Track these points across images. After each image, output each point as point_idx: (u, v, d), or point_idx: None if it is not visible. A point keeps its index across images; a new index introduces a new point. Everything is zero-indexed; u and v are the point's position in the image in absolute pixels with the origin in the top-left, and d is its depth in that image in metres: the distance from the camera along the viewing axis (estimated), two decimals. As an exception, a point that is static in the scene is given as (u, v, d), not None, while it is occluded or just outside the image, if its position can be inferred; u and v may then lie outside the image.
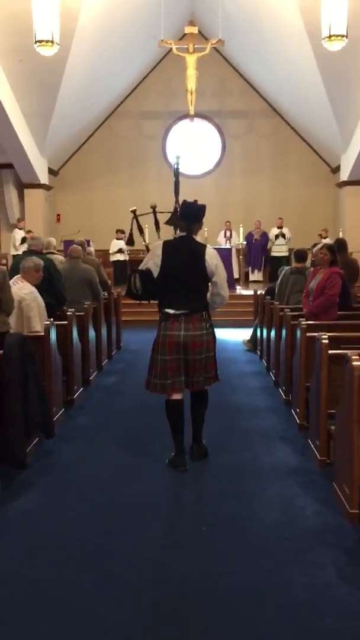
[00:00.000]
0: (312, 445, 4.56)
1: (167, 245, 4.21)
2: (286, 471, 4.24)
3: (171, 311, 4.16)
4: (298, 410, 5.25)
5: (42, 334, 5.15)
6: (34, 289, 5.55)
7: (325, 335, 4.40)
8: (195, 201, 4.58)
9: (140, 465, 4.38)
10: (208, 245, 4.34)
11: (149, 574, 2.97)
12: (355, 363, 3.47)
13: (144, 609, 2.70)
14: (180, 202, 4.97)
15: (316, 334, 4.89)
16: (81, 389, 6.40)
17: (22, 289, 5.46)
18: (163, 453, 4.57)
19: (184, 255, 4.15)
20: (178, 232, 4.40)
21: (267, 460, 4.44)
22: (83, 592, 2.83)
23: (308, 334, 5.12)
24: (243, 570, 2.99)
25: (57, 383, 5.38)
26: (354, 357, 3.50)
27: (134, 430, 5.24)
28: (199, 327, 4.17)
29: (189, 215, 4.27)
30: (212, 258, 4.20)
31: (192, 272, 4.14)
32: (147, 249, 4.84)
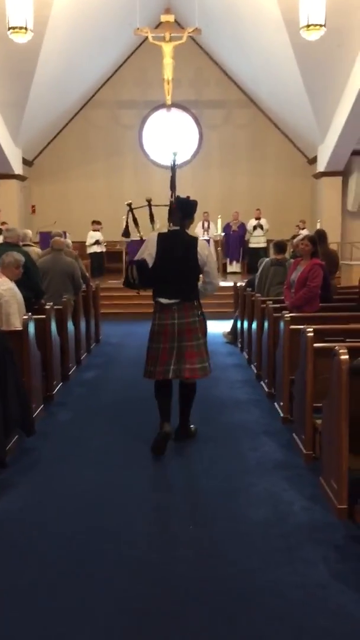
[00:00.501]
0: (297, 439, 4.51)
1: (161, 237, 4.45)
2: (272, 466, 4.19)
3: (164, 300, 4.39)
4: (282, 403, 5.20)
5: (20, 328, 5.01)
6: (12, 285, 5.37)
7: (310, 328, 4.35)
8: (189, 197, 4.74)
9: (122, 462, 4.29)
10: (200, 238, 4.65)
11: (135, 575, 2.89)
12: (343, 357, 3.42)
13: (131, 610, 2.62)
14: (175, 198, 5.36)
15: (300, 326, 4.86)
16: (60, 384, 6.27)
17: (0, 284, 5.30)
18: (145, 449, 4.50)
19: (177, 246, 4.39)
20: (171, 225, 4.65)
21: (252, 455, 4.39)
22: (68, 595, 2.73)
23: (292, 327, 5.08)
24: (232, 569, 2.93)
25: (36, 379, 5.25)
26: (341, 351, 3.45)
27: (115, 426, 5.15)
28: (191, 315, 4.40)
29: (184, 210, 4.52)
30: (203, 249, 4.46)
31: (185, 262, 4.38)
32: (141, 239, 5.06)
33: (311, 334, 4.29)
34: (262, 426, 5.09)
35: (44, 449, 4.54)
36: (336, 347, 3.49)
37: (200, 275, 4.53)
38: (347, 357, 3.42)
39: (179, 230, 4.51)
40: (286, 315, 5.26)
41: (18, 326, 5.10)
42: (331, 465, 3.57)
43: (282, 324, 5.26)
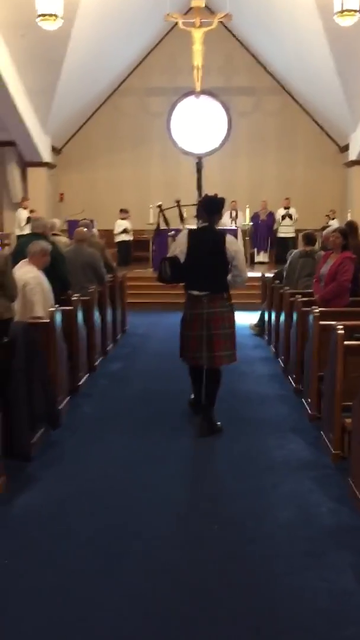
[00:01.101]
0: (325, 438, 4.43)
1: (191, 234, 4.76)
2: (299, 465, 4.13)
3: (196, 292, 4.67)
4: (310, 400, 5.11)
5: (47, 320, 5.00)
6: (39, 273, 5.37)
7: (340, 325, 4.25)
8: (216, 195, 4.94)
9: (147, 457, 4.27)
10: (228, 234, 4.83)
11: (157, 576, 2.87)
12: (375, 357, 3.32)
13: (151, 612, 2.60)
14: (203, 196, 5.68)
15: (329, 322, 4.76)
16: (86, 375, 6.27)
17: (27, 272, 5.29)
18: (171, 443, 4.49)
19: (207, 243, 4.67)
20: (200, 222, 4.97)
21: (279, 453, 4.32)
22: (89, 593, 2.72)
23: (321, 323, 4.97)
24: (256, 573, 2.88)
25: (62, 371, 5.25)
26: (373, 351, 3.35)
27: (140, 419, 5.12)
28: (221, 305, 4.68)
29: (211, 207, 4.79)
30: (232, 245, 4.71)
31: (214, 257, 4.63)
32: (173, 239, 5.55)
33: (341, 332, 4.19)
34: (289, 423, 5.02)
35: (68, 442, 4.54)
36: (368, 347, 3.39)
37: (230, 268, 4.72)
38: (379, 357, 3.32)
39: (207, 227, 4.78)
40: (315, 310, 5.15)
41: (41, 316, 5.08)
42: (360, 467, 3.48)
43: (311, 319, 5.16)
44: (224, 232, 4.87)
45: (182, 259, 4.63)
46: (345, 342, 4.16)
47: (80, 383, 5.96)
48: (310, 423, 4.98)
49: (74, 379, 5.85)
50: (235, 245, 4.75)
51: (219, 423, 4.81)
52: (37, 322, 4.96)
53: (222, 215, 4.97)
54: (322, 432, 4.56)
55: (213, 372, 4.74)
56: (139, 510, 3.52)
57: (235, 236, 13.56)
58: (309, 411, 5.10)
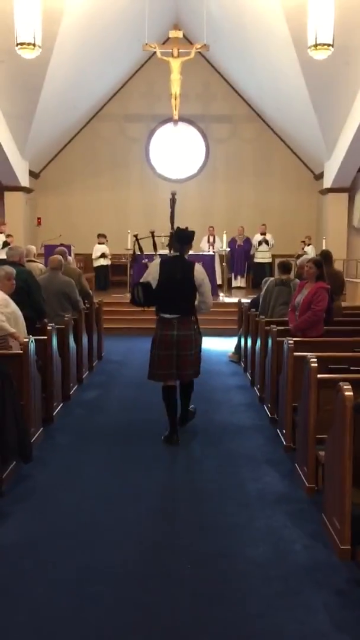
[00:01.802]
0: (299, 470, 4.42)
1: (163, 262, 5.21)
2: (274, 499, 4.10)
3: (167, 315, 5.12)
4: (285, 431, 5.11)
5: (20, 351, 4.94)
6: (5, 297, 5.27)
7: (314, 358, 4.27)
8: (186, 228, 5.42)
9: (120, 492, 4.21)
10: (196, 263, 5.28)
11: (129, 615, 2.81)
12: (347, 393, 3.34)
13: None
14: (175, 228, 6.29)
15: (304, 354, 4.78)
16: (60, 405, 6.20)
17: None
18: (145, 477, 4.44)
19: (177, 271, 5.11)
20: (172, 252, 5.44)
21: (253, 487, 4.29)
22: (59, 634, 2.66)
23: (295, 354, 5.00)
24: (230, 615, 2.84)
25: (35, 402, 5.18)
26: (345, 387, 3.37)
27: (114, 451, 5.06)
28: (189, 328, 5.13)
29: (182, 239, 5.24)
30: (199, 274, 5.17)
31: (184, 284, 5.10)
32: (146, 266, 6.32)
33: (315, 365, 4.21)
34: (264, 454, 5.00)
35: (41, 476, 4.46)
36: (340, 384, 3.41)
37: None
38: (351, 393, 3.34)
39: (178, 257, 5.25)
40: (290, 341, 5.18)
41: (12, 331, 5.00)
42: (334, 503, 3.47)
43: (285, 350, 5.18)
44: (193, 262, 5.28)
45: (154, 284, 5.08)
46: (319, 375, 4.18)
47: (54, 413, 5.88)
48: (285, 454, 4.97)
49: (47, 408, 5.78)
50: (202, 274, 5.18)
51: (192, 406, 5.60)
52: (9, 353, 4.90)
53: (192, 246, 5.42)
54: (296, 464, 4.55)
55: (186, 384, 5.41)
56: (111, 547, 3.46)
57: (213, 261, 13.78)
58: (284, 442, 5.10)
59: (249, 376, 7.69)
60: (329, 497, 3.62)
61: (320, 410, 4.17)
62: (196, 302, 5.20)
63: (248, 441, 5.33)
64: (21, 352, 4.93)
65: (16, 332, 5.06)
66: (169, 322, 5.08)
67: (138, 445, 5.19)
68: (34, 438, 4.96)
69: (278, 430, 5.42)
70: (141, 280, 5.22)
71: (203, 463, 4.79)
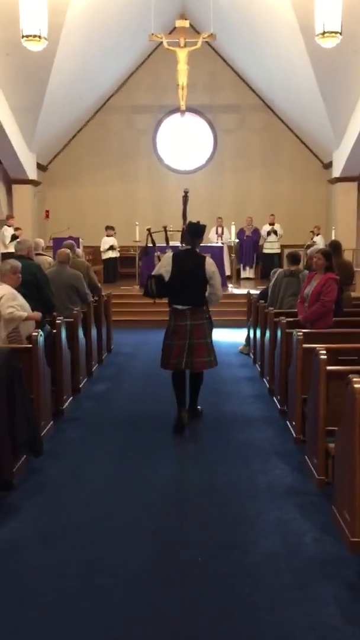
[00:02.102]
0: (309, 462, 4.42)
1: (175, 256, 5.38)
2: (283, 491, 4.10)
3: (179, 307, 5.31)
4: (294, 423, 5.10)
5: (29, 345, 4.96)
6: (11, 289, 5.26)
7: (323, 350, 4.25)
8: (198, 222, 5.56)
9: (130, 485, 4.23)
10: (207, 256, 5.45)
11: (141, 613, 2.82)
12: (356, 385, 3.32)
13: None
14: (187, 223, 6.35)
15: (313, 345, 4.77)
16: (70, 398, 6.23)
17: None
18: (155, 469, 4.45)
19: (189, 264, 5.29)
20: (184, 245, 5.74)
21: (263, 479, 4.30)
22: (70, 628, 2.67)
23: (305, 345, 4.98)
24: (240, 609, 2.85)
25: (45, 395, 5.20)
26: (355, 380, 3.36)
27: (124, 444, 5.09)
28: (200, 317, 5.33)
29: (194, 233, 5.43)
30: (210, 266, 5.33)
31: (195, 277, 5.28)
32: (159, 259, 6.69)
33: (324, 357, 4.19)
34: (273, 446, 5.00)
35: (52, 469, 4.49)
36: (350, 376, 3.39)
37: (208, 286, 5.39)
38: (360, 385, 3.33)
39: (190, 250, 5.42)
40: (299, 333, 5.16)
41: (24, 314, 5.05)
42: (344, 495, 3.47)
43: (294, 342, 5.16)
44: (204, 255, 5.45)
45: (166, 277, 5.28)
46: (328, 367, 4.16)
47: (64, 406, 5.91)
48: (294, 446, 4.96)
49: (57, 402, 5.81)
50: (213, 267, 5.35)
51: (199, 407, 5.71)
52: (19, 347, 4.92)
53: (202, 239, 5.60)
54: (306, 456, 4.55)
55: (196, 376, 5.53)
56: (122, 541, 3.47)
57: (221, 252, 13.74)
58: (294, 434, 5.09)
59: (258, 367, 7.68)
60: (339, 489, 3.61)
61: (330, 402, 4.16)
62: (207, 294, 5.37)
63: (257, 433, 5.33)
64: (30, 346, 4.94)
65: (30, 314, 5.15)
66: (181, 312, 5.28)
67: (148, 437, 5.21)
68: (44, 431, 4.98)
69: (288, 422, 5.42)
70: (153, 273, 5.40)
71: (212, 455, 4.79)
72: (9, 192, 14.75)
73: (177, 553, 3.36)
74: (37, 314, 5.29)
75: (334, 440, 3.88)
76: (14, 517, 3.75)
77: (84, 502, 3.96)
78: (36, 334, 5.01)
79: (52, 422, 5.39)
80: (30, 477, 4.33)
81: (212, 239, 15.22)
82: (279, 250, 15.51)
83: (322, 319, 5.90)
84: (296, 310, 6.30)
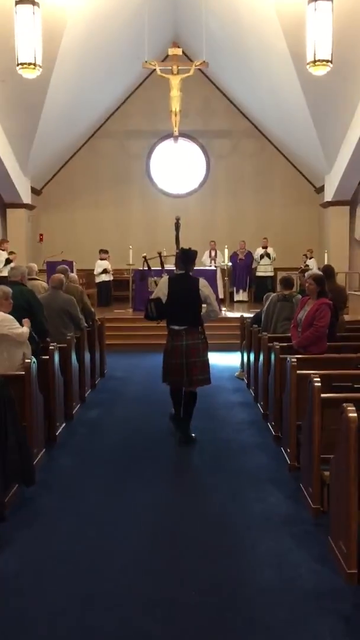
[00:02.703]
0: (304, 491, 4.38)
1: (171, 279, 5.77)
2: (279, 521, 4.05)
3: (176, 327, 5.64)
4: (289, 450, 5.07)
5: (22, 372, 4.93)
6: (6, 315, 5.27)
7: (317, 377, 4.24)
8: (190, 248, 5.92)
9: (124, 515, 4.17)
10: (201, 278, 5.78)
11: (135, 650, 2.77)
12: (351, 415, 3.31)
13: None
14: (179, 249, 6.65)
15: (307, 372, 4.76)
16: (63, 424, 6.17)
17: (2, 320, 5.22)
18: (148, 498, 4.40)
19: (184, 287, 5.66)
20: (177, 269, 5.93)
21: (258, 508, 4.25)
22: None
23: (299, 372, 4.97)
24: (236, 644, 2.79)
25: (38, 423, 5.16)
26: (349, 408, 3.34)
27: (117, 472, 5.02)
28: (196, 337, 5.65)
29: (187, 258, 5.78)
30: (204, 288, 5.71)
31: (190, 299, 5.63)
32: (155, 283, 6.97)
33: (318, 384, 4.19)
34: (268, 473, 4.95)
35: (44, 499, 4.43)
36: (344, 405, 3.38)
37: (204, 305, 5.76)
38: (355, 415, 3.31)
39: (184, 274, 5.77)
40: (292, 359, 5.15)
41: (26, 331, 5.19)
42: (340, 525, 3.43)
43: (288, 368, 5.15)
44: (197, 277, 5.79)
45: (163, 300, 5.61)
46: (323, 395, 4.15)
47: (57, 433, 5.85)
48: (289, 473, 4.92)
49: (50, 429, 5.76)
50: (207, 288, 5.74)
51: (193, 435, 5.79)
52: (12, 374, 4.88)
53: (195, 264, 5.91)
54: (301, 484, 4.51)
55: (190, 394, 5.78)
56: (115, 574, 3.41)
57: (215, 276, 13.78)
58: (288, 461, 5.05)
59: (252, 392, 7.65)
60: (334, 519, 3.57)
61: (324, 430, 4.14)
62: (204, 312, 5.77)
63: (252, 460, 5.28)
64: (23, 372, 4.91)
65: (25, 322, 5.33)
66: (178, 332, 5.61)
67: (141, 465, 5.15)
68: (36, 460, 4.92)
69: (282, 449, 5.38)
70: (152, 297, 5.80)
71: (206, 483, 4.75)
72: (3, 216, 14.80)
73: (171, 586, 3.30)
74: (28, 322, 5.45)
75: (329, 468, 3.86)
76: (4, 549, 3.68)
77: (76, 534, 3.90)
78: (29, 361, 4.98)
79: (44, 450, 5.33)
80: (22, 507, 4.27)
81: (205, 262, 15.29)
82: (272, 274, 15.59)
83: (315, 344, 5.91)
84: (290, 334, 6.30)
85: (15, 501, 4.31)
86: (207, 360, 5.71)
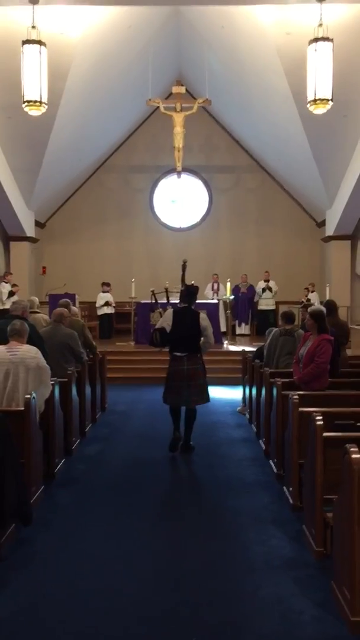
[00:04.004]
0: (307, 532, 4.28)
1: (175, 312, 6.54)
2: (281, 564, 3.95)
3: (178, 354, 6.42)
4: (291, 489, 4.98)
5: (22, 409, 4.88)
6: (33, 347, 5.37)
7: (319, 416, 4.19)
8: (192, 284, 7.13)
9: (123, 557, 4.07)
10: (201, 312, 6.61)
11: None
12: (354, 456, 3.25)
13: None
14: (184, 286, 7.95)
15: (309, 409, 4.71)
16: (62, 460, 6.09)
17: (28, 351, 5.24)
18: (148, 539, 4.31)
19: (186, 319, 6.46)
20: (181, 303, 6.72)
21: (260, 550, 4.15)
22: None
23: (301, 409, 4.91)
24: None
25: (37, 459, 5.09)
26: (352, 449, 3.29)
27: (116, 512, 4.93)
28: (195, 363, 6.45)
29: (189, 294, 6.69)
30: (203, 321, 6.50)
31: (191, 329, 6.43)
32: (161, 314, 8.73)
33: (320, 422, 4.13)
34: (270, 513, 4.86)
35: (41, 539, 4.33)
36: (347, 446, 3.32)
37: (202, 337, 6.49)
38: (358, 456, 3.26)
39: (187, 307, 6.59)
40: (295, 396, 5.10)
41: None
42: (343, 570, 3.34)
43: (290, 405, 5.10)
44: (198, 312, 6.58)
45: (167, 329, 6.38)
46: (325, 434, 4.09)
47: (55, 470, 5.77)
48: (292, 513, 4.82)
49: (49, 465, 5.67)
50: (205, 321, 6.51)
51: (191, 443, 6.61)
52: (11, 409, 4.84)
53: (196, 298, 6.80)
54: (304, 525, 4.41)
55: (190, 411, 6.54)
56: (114, 618, 3.32)
57: (217, 309, 13.81)
58: (291, 500, 4.96)
59: (254, 428, 7.57)
60: (338, 563, 3.48)
61: (327, 470, 4.07)
62: (201, 342, 6.45)
63: (253, 499, 5.19)
64: (22, 409, 4.86)
65: None
66: (180, 359, 6.38)
67: (140, 503, 5.06)
68: (34, 497, 4.85)
69: (285, 488, 5.29)
70: (157, 327, 6.55)
71: (208, 523, 4.65)
72: (7, 248, 14.92)
73: (170, 631, 3.20)
74: None
75: (332, 510, 3.78)
76: (2, 590, 3.58)
77: (73, 576, 3.80)
78: (29, 396, 4.94)
79: (42, 487, 5.25)
80: (19, 547, 4.17)
81: (208, 295, 15.33)
82: (273, 307, 15.62)
83: (316, 380, 5.88)
84: (292, 369, 6.26)
85: (12, 541, 4.21)
86: (205, 384, 6.50)
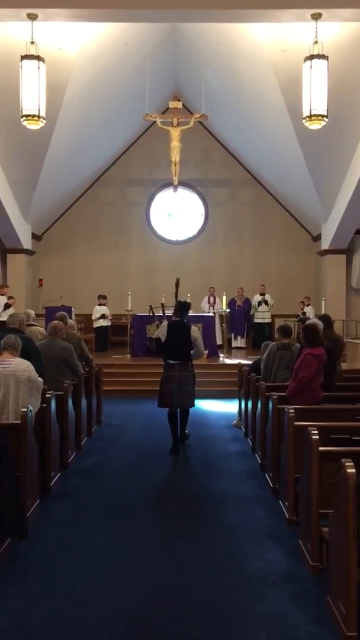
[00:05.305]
0: (303, 547, 4.28)
1: (169, 325, 7.32)
2: (277, 579, 3.95)
3: (171, 361, 7.18)
4: (287, 503, 4.98)
5: (18, 422, 4.88)
6: (25, 360, 5.37)
7: (315, 430, 4.20)
8: (185, 300, 7.78)
9: (117, 572, 4.06)
10: (192, 325, 7.43)
11: None
12: (349, 470, 3.27)
13: None
14: (177, 301, 8.60)
15: (305, 423, 4.73)
16: (58, 474, 6.07)
17: (20, 364, 5.25)
18: (143, 554, 4.30)
19: (179, 331, 7.22)
20: (174, 317, 7.49)
21: (256, 565, 4.14)
22: None
23: (296, 423, 4.93)
24: None
25: (32, 473, 5.08)
26: (347, 464, 3.31)
27: (112, 525, 4.92)
28: (186, 369, 7.23)
29: (182, 309, 7.54)
30: (194, 333, 7.28)
31: (183, 340, 7.18)
32: (157, 326, 9.80)
33: (316, 437, 4.15)
34: (266, 528, 4.86)
35: (36, 554, 4.31)
36: (342, 460, 3.34)
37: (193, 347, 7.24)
38: (353, 470, 3.27)
39: (180, 320, 7.38)
40: (290, 410, 5.11)
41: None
42: (339, 585, 3.34)
43: (286, 419, 5.11)
44: (189, 325, 7.37)
45: (163, 339, 7.15)
46: (321, 448, 4.10)
47: (51, 483, 5.75)
48: (287, 528, 4.82)
49: (45, 478, 5.66)
50: (196, 333, 7.31)
51: (187, 431, 7.53)
52: (7, 423, 4.84)
53: (188, 313, 7.77)
54: (300, 540, 4.41)
55: (183, 411, 7.29)
56: (109, 632, 3.31)
57: (213, 322, 13.84)
58: (287, 515, 4.96)
59: (249, 442, 7.57)
60: (334, 578, 3.48)
61: (323, 484, 4.08)
62: (192, 352, 7.20)
63: (249, 514, 5.18)
64: (19, 422, 4.86)
65: None
66: (172, 366, 7.16)
67: (136, 517, 5.06)
68: (30, 511, 4.83)
69: (280, 502, 5.29)
70: (154, 337, 7.43)
71: (204, 538, 4.65)
72: (3, 261, 14.93)
73: (165, 649, 3.19)
74: None
75: (327, 524, 3.78)
76: (-5, 607, 3.57)
77: (68, 591, 3.79)
78: (25, 410, 4.94)
79: (38, 501, 5.23)
80: (13, 562, 4.16)
81: (204, 308, 15.37)
82: (269, 320, 15.68)
83: (302, 394, 5.75)
84: (288, 384, 6.25)
85: (7, 555, 4.20)
86: (192, 390, 7.25)
